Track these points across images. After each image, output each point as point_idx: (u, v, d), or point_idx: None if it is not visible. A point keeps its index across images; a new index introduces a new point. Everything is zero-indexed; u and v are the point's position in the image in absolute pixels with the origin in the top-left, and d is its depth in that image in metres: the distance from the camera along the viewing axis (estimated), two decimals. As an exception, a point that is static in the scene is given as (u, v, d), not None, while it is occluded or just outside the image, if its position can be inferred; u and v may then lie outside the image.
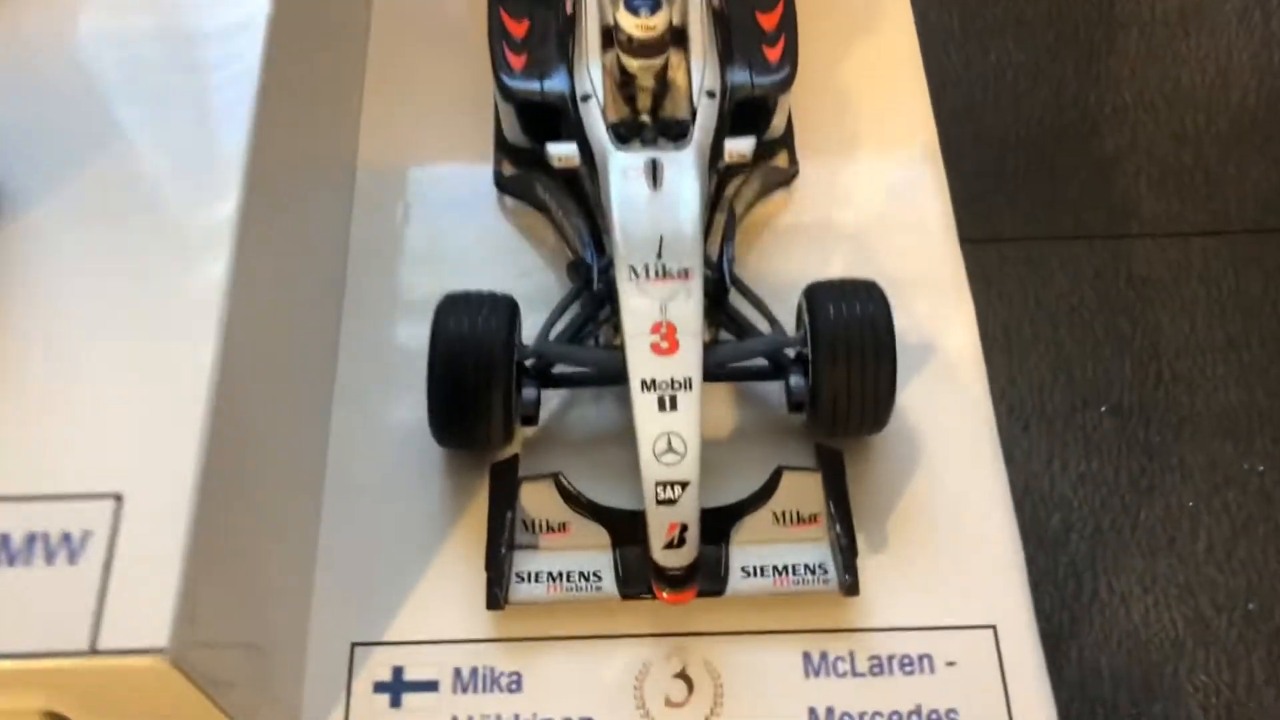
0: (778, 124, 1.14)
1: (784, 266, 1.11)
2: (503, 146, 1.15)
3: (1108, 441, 1.36)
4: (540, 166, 1.06)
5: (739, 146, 1.03)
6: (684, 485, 0.85)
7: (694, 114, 1.02)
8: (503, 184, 1.14)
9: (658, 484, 0.84)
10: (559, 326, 0.99)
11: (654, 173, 0.98)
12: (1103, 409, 1.38)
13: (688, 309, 0.91)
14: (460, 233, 1.13)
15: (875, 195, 1.18)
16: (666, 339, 0.90)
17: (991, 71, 1.68)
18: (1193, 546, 1.23)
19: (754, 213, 1.13)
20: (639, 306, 0.91)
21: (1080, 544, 1.24)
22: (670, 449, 0.86)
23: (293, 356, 0.90)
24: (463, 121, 1.18)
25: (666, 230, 0.95)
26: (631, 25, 1.01)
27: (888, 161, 1.21)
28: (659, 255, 0.93)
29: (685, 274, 0.93)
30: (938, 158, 1.23)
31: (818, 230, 1.15)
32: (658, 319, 0.90)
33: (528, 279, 1.09)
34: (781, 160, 1.17)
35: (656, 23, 1.01)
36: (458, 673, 0.87)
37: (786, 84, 1.09)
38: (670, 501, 0.84)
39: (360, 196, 1.14)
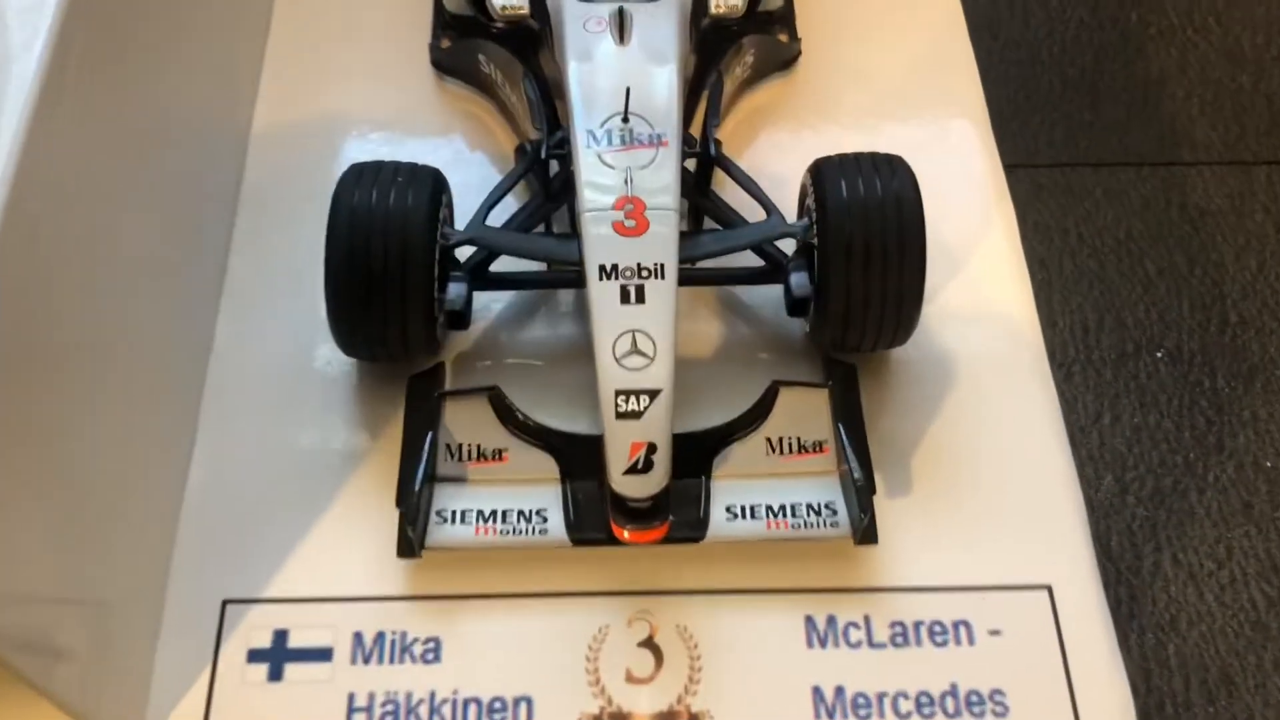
0: (776, -8, 0.97)
1: (782, 162, 0.94)
2: (442, 20, 0.99)
3: (1166, 391, 1.20)
4: (483, 33, 0.89)
5: (728, -2, 0.86)
6: (652, 395, 0.67)
7: None
8: (440, 60, 0.97)
9: (619, 393, 0.67)
10: (501, 216, 0.82)
11: (620, 24, 0.81)
12: (1159, 354, 1.22)
13: (660, 180, 0.74)
14: (385, 106, 0.96)
15: (893, 78, 1.01)
16: (633, 217, 0.73)
17: (1022, -13, 1.53)
18: (1273, 513, 1.06)
19: (747, 97, 0.96)
20: (599, 177, 0.74)
21: (1138, 509, 1.08)
22: (635, 349, 0.68)
23: (141, 245, 0.72)
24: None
25: (636, 87, 0.78)
26: None
27: (908, 37, 1.04)
28: (625, 118, 0.76)
29: (658, 140, 0.76)
30: (964, 34, 1.06)
31: (824, 122, 0.98)
32: (622, 192, 0.73)
33: (465, 168, 0.92)
34: (780, 36, 1.00)
35: None
36: (358, 638, 0.69)
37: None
38: (634, 414, 0.67)
39: (268, 68, 0.97)
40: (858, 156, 0.78)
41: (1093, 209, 1.32)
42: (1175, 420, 1.17)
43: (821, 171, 0.77)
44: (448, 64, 0.97)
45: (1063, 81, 1.42)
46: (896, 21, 1.05)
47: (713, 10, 0.86)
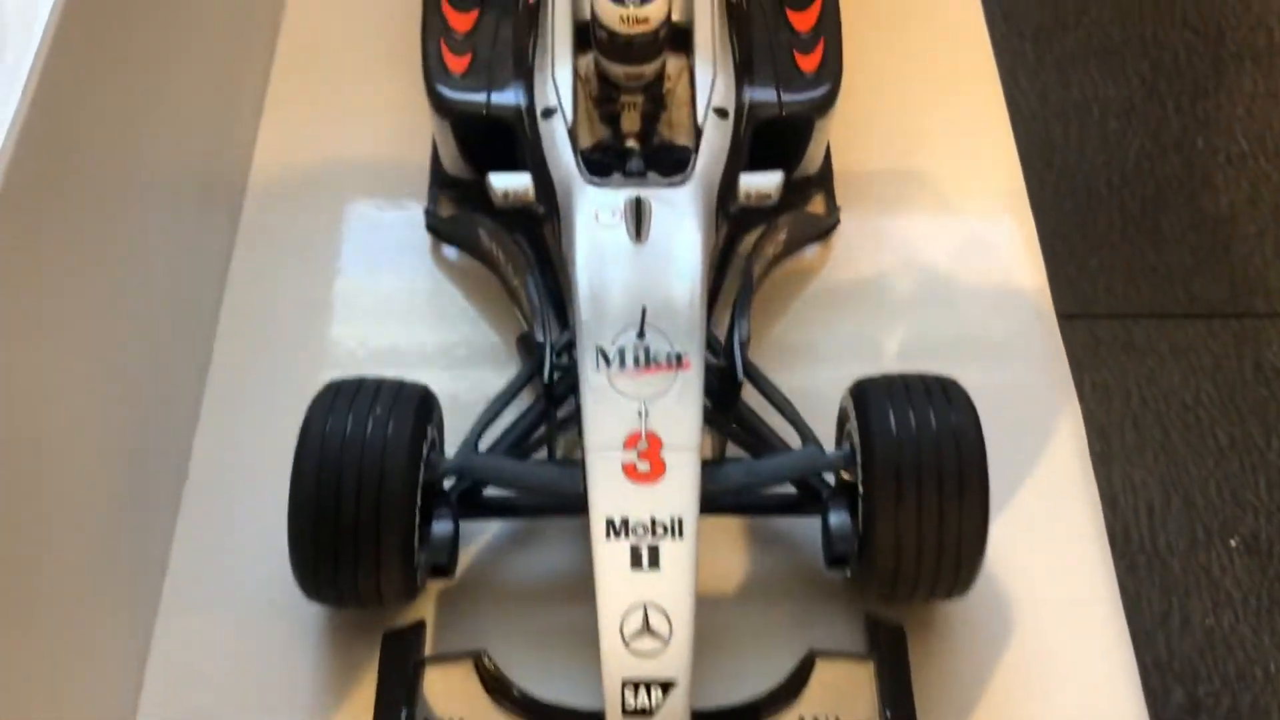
0: (813, 156, 0.90)
1: (820, 349, 0.86)
2: (441, 179, 0.91)
3: (1242, 588, 1.10)
4: (486, 205, 0.82)
5: (760, 184, 0.78)
6: (666, 687, 0.59)
7: (698, 137, 0.78)
8: (436, 227, 0.89)
9: (625, 684, 0.59)
10: (498, 428, 0.73)
11: (638, 216, 0.73)
12: (1232, 543, 1.12)
13: (681, 413, 0.66)
14: (375, 283, 0.89)
15: (940, 252, 0.93)
16: (647, 458, 0.64)
17: (1074, 107, 1.43)
18: (1367, 740, 0.97)
19: (778, 273, 0.88)
20: (608, 408, 0.66)
21: (1213, 732, 0.99)
22: (647, 628, 0.60)
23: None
24: (390, 139, 0.94)
25: (653, 298, 0.70)
26: (615, 17, 0.76)
27: (958, 208, 0.98)
28: (640, 333, 0.68)
29: (678, 361, 0.68)
30: (1023, 202, 0.99)
31: (865, 298, 0.91)
32: (635, 427, 0.65)
33: (461, 351, 0.84)
34: (817, 206, 0.92)
35: (649, 14, 0.76)
36: None
37: (826, 104, 0.85)
38: (644, 713, 0.59)
39: (245, 226, 0.89)
40: (906, 381, 0.70)
41: (1156, 367, 1.22)
42: (1253, 624, 1.08)
43: (866, 396, 0.69)
44: (445, 231, 0.89)
45: (1122, 217, 1.33)
46: (941, 178, 0.99)
47: (742, 200, 0.78)
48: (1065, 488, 0.83)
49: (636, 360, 0.67)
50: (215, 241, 0.88)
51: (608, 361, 0.67)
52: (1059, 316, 0.96)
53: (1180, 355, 1.27)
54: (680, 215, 0.74)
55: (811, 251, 0.92)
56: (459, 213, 0.88)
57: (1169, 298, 1.31)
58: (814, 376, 0.80)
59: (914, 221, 0.97)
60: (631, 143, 0.81)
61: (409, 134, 0.92)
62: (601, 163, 0.78)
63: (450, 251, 0.90)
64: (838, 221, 0.92)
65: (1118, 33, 1.54)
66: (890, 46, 1.05)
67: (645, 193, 0.74)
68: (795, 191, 0.89)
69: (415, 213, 0.90)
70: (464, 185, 0.88)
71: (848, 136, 0.94)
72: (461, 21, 0.87)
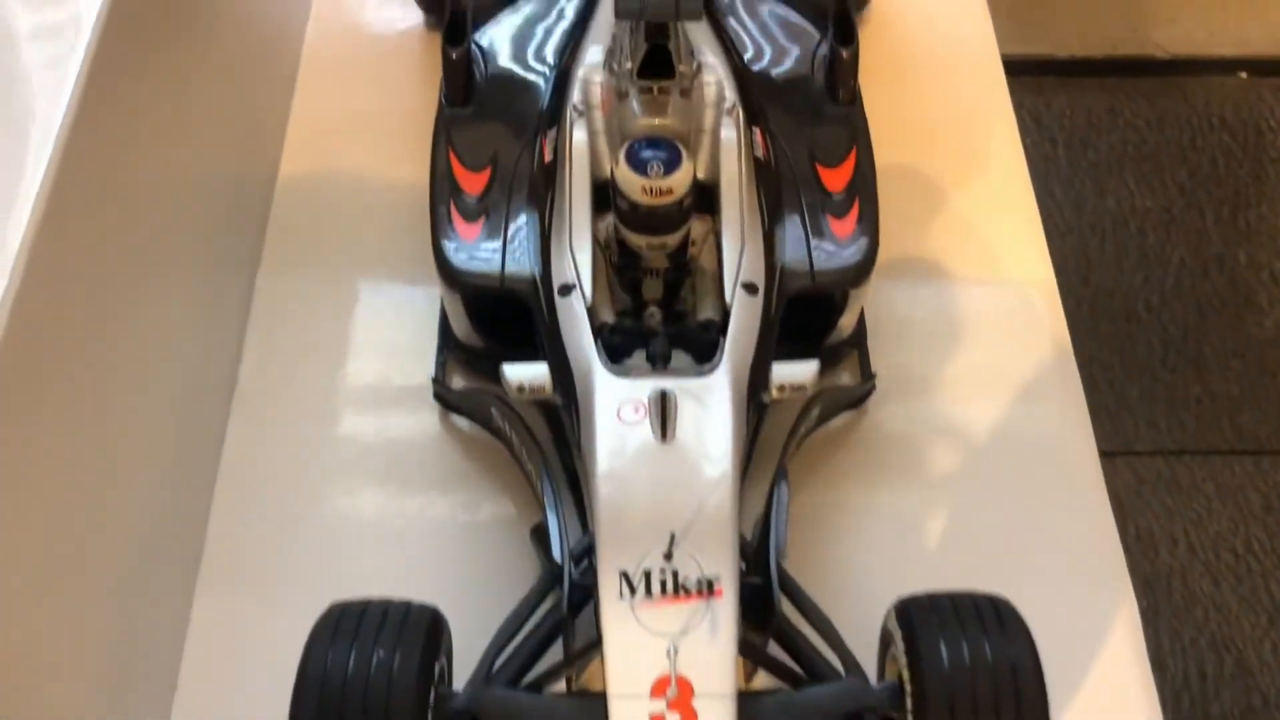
0: (846, 324, 0.86)
1: (854, 536, 0.82)
2: (449, 341, 0.87)
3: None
4: (498, 384, 0.78)
5: (794, 375, 0.74)
6: None
7: (726, 317, 0.74)
8: (445, 399, 0.85)
9: None
10: (514, 645, 0.69)
11: (663, 413, 0.69)
12: (1293, 714, 1.08)
13: (714, 654, 0.61)
14: (379, 440, 0.85)
15: (979, 402, 0.89)
16: (677, 707, 0.60)
17: (1110, 219, 1.39)
18: None
19: (806, 443, 0.84)
20: (633, 645, 0.62)
21: None
22: None
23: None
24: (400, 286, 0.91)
25: (681, 511, 0.65)
26: (637, 188, 0.73)
27: (993, 346, 0.95)
28: (668, 554, 0.64)
29: (710, 588, 0.63)
30: (1062, 330, 0.95)
31: (903, 469, 0.86)
32: (663, 670, 0.61)
33: (473, 536, 0.80)
34: (848, 369, 0.88)
35: (673, 184, 0.73)
36: None
37: (861, 274, 0.81)
38: None
39: (238, 408, 0.85)
40: (955, 603, 0.65)
41: (1204, 510, 1.18)
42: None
43: (913, 623, 0.65)
44: (454, 403, 0.85)
45: (1163, 342, 1.29)
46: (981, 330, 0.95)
47: (775, 394, 0.73)
48: (1112, 650, 0.79)
49: (664, 587, 0.63)
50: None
51: (631, 589, 0.63)
52: (1101, 455, 0.92)
53: (1228, 496, 1.23)
54: (709, 411, 0.70)
55: (844, 417, 0.88)
56: (469, 388, 0.84)
57: (1214, 432, 1.27)
58: (852, 574, 0.76)
59: (948, 370, 0.93)
60: (653, 313, 0.77)
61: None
62: (623, 343, 0.74)
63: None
64: (873, 388, 0.87)
65: (1153, 137, 1.51)
66: (918, 169, 1.02)
67: (671, 384, 0.70)
68: (826, 357, 0.86)
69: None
70: (473, 358, 0.84)
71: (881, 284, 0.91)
72: (473, 182, 0.83)
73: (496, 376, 0.76)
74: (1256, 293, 1.38)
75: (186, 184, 0.83)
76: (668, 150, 0.74)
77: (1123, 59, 1.55)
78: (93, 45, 0.66)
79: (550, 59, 0.90)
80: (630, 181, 0.73)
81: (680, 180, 0.73)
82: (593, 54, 0.87)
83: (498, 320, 0.82)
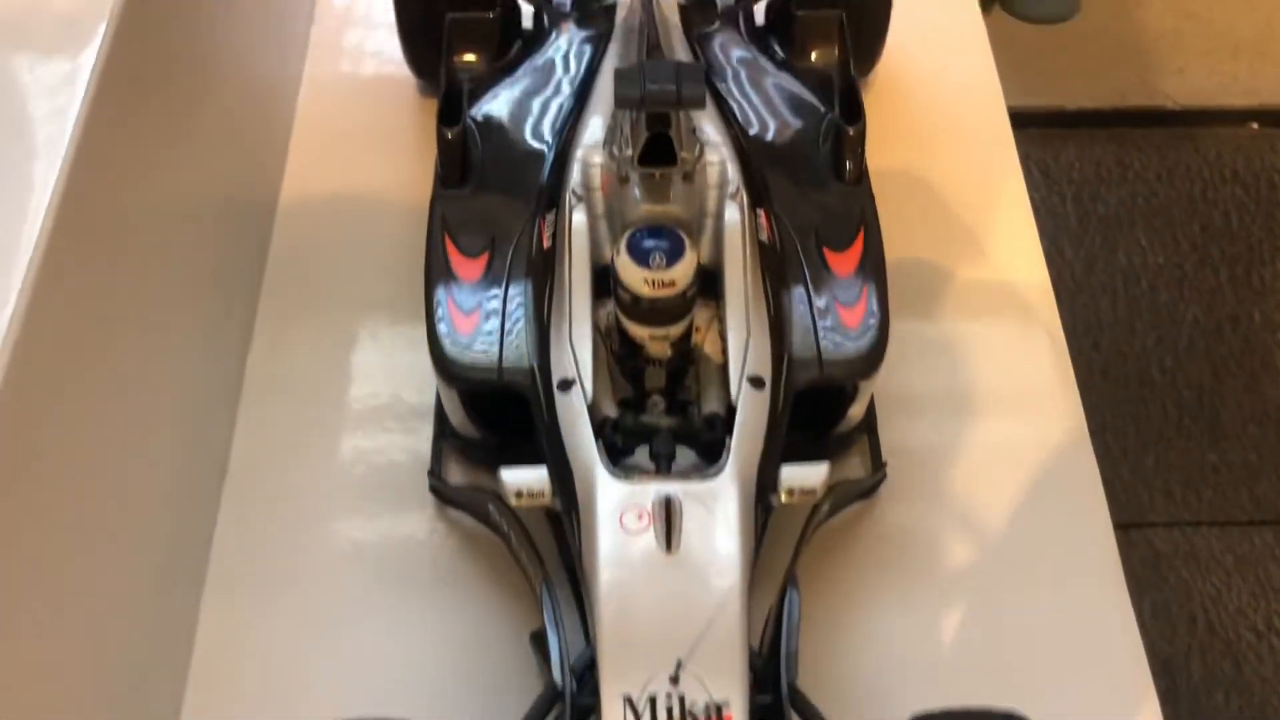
0: (855, 414, 0.83)
1: (865, 642, 0.79)
2: (444, 429, 0.85)
3: None
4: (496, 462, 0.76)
5: (804, 478, 0.71)
6: None
7: (731, 414, 0.72)
8: (442, 493, 0.83)
9: None
10: None
11: (668, 522, 0.67)
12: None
13: (722, 786, 0.59)
14: (373, 536, 0.83)
15: (990, 484, 0.87)
16: None
17: (1121, 277, 1.37)
18: None
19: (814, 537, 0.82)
20: (637, 780, 0.59)
21: None
22: None
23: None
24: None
25: (688, 628, 0.63)
26: (639, 280, 0.71)
27: (1002, 414, 0.92)
28: (675, 680, 0.61)
29: (719, 714, 0.61)
30: (1075, 401, 0.93)
31: (914, 563, 0.84)
32: (670, 808, 0.58)
33: (468, 641, 0.78)
34: (858, 456, 0.86)
35: (676, 276, 0.71)
36: None
37: (871, 365, 0.79)
38: None
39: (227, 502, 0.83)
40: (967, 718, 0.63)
41: (1222, 585, 1.16)
42: None
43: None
44: (452, 499, 0.82)
45: (1178, 407, 1.27)
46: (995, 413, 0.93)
47: (784, 499, 0.71)
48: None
49: (670, 714, 0.61)
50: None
51: (636, 716, 0.61)
52: (1115, 528, 0.90)
53: (1247, 570, 1.20)
54: (716, 519, 0.67)
55: (853, 508, 0.85)
56: (466, 486, 0.81)
57: (1232, 502, 1.25)
58: (861, 676, 0.74)
59: (957, 449, 0.91)
60: (656, 399, 0.75)
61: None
62: (625, 441, 0.72)
63: None
64: (883, 478, 0.85)
65: (1163, 190, 1.49)
66: (923, 233, 1.00)
67: (675, 488, 0.68)
68: (834, 445, 0.84)
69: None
70: (470, 449, 0.82)
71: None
72: (469, 269, 0.80)
73: (494, 465, 0.74)
74: (1273, 354, 1.36)
75: (184, 223, 0.82)
76: (670, 240, 0.72)
77: (1131, 110, 1.53)
78: (89, 99, 0.66)
79: (548, 135, 0.88)
80: (632, 273, 0.71)
81: (683, 272, 0.71)
82: (592, 130, 0.85)
83: (495, 411, 0.79)
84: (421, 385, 0.88)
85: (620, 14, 0.96)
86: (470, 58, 0.96)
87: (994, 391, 0.94)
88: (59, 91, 0.66)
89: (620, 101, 0.72)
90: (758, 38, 1.00)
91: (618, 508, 0.67)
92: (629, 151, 0.76)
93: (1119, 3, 1.52)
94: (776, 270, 0.80)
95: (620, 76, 0.71)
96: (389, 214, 0.98)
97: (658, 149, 0.75)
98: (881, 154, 0.89)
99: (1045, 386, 0.95)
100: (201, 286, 0.86)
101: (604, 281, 0.76)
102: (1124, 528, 0.93)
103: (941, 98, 1.14)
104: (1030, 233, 1.05)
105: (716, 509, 0.67)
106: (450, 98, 0.86)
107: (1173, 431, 1.27)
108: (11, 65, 0.70)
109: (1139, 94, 1.54)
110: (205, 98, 0.88)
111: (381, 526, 0.84)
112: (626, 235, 0.72)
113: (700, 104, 0.72)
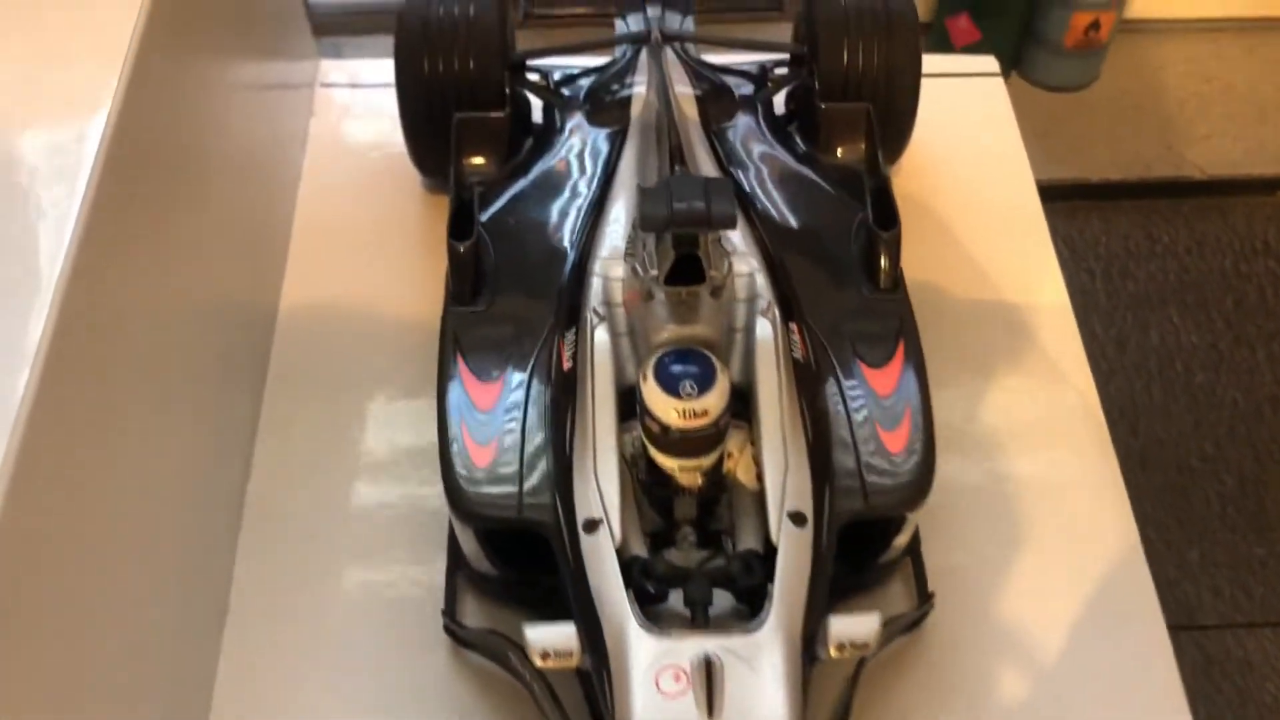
0: (900, 543, 0.78)
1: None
2: (458, 562, 0.80)
3: None
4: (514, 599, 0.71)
5: (855, 632, 0.66)
6: None
7: (771, 551, 0.67)
8: (458, 636, 0.78)
9: None
10: None
11: (709, 683, 0.62)
12: None
13: None
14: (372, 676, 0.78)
15: (1047, 615, 0.82)
16: None
17: (1155, 358, 1.33)
18: None
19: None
20: None
21: None
22: None
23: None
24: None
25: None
26: (670, 411, 0.66)
27: (1064, 556, 0.86)
28: None
29: None
30: (1122, 499, 0.89)
31: (967, 694, 0.79)
32: None
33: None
34: (901, 587, 0.81)
35: (709, 406, 0.66)
36: None
37: (919, 494, 0.74)
38: None
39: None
40: None
41: (1278, 693, 1.11)
42: None
43: None
44: (470, 642, 0.77)
45: (1220, 497, 1.22)
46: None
47: (834, 654, 0.66)
48: None
49: None
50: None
51: None
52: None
53: (1300, 673, 1.16)
54: (762, 678, 0.62)
55: (898, 643, 0.80)
56: (483, 630, 0.76)
57: (1283, 600, 1.20)
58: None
59: (1003, 563, 0.86)
60: (687, 531, 0.70)
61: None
62: (657, 588, 0.67)
63: None
64: (931, 609, 0.80)
65: (1194, 264, 1.45)
66: (957, 325, 0.96)
67: (715, 645, 0.63)
68: (878, 574, 0.79)
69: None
70: (487, 585, 0.77)
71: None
72: (485, 396, 0.76)
73: (512, 600, 0.69)
74: (1316, 437, 1.33)
75: (186, 321, 0.80)
76: (700, 365, 0.67)
77: (1158, 181, 1.50)
78: (89, 199, 0.64)
79: (565, 243, 0.84)
80: (661, 403, 0.66)
81: (716, 401, 0.66)
82: (611, 237, 0.81)
83: (514, 546, 0.75)
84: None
85: (635, 108, 0.92)
86: (479, 160, 0.92)
87: (1038, 498, 0.90)
88: (58, 192, 0.64)
89: (646, 223, 0.68)
90: (777, 128, 0.96)
91: (653, 667, 0.62)
92: (653, 271, 0.72)
93: (1139, 68, 1.48)
94: (812, 391, 0.75)
95: (645, 196, 0.67)
96: (392, 309, 0.94)
97: (685, 267, 0.71)
98: (909, 239, 0.85)
99: (1093, 492, 0.91)
100: (203, 390, 0.83)
101: (628, 402, 0.71)
102: (1173, 629, 0.89)
103: (965, 175, 1.10)
104: (1069, 322, 1.01)
105: (762, 667, 0.63)
106: (461, 209, 0.82)
107: (1216, 523, 1.22)
108: (12, 168, 0.67)
109: (1164, 162, 1.50)
110: (205, 195, 0.85)
111: (385, 660, 0.79)
112: (653, 360, 0.67)
113: (731, 224, 0.68)
